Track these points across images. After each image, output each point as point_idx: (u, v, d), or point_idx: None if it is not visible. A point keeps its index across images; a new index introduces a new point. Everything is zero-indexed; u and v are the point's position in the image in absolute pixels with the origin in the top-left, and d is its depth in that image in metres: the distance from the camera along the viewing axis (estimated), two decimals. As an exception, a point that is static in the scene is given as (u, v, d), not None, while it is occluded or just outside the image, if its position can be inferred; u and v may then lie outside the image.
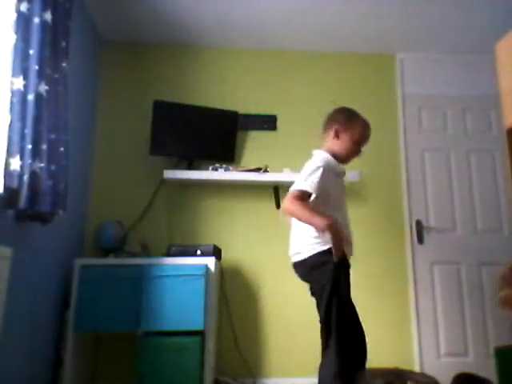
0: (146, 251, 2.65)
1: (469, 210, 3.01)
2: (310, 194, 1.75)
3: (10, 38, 1.73)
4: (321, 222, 1.67)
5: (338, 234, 1.66)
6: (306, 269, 1.79)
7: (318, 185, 1.73)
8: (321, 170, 1.75)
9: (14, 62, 1.71)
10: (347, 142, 1.86)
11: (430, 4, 2.66)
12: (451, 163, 3.09)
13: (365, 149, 1.93)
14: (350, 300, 1.72)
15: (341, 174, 1.91)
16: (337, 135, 1.89)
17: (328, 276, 1.69)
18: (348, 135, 1.86)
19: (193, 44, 3.11)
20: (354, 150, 1.87)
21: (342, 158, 1.89)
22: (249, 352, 2.65)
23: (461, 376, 2.52)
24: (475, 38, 2.99)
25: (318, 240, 1.74)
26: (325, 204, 1.78)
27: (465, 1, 2.64)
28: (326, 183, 1.76)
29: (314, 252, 1.75)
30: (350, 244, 1.81)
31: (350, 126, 1.88)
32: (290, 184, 2.77)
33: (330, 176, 1.80)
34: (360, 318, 1.73)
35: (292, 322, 2.72)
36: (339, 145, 1.88)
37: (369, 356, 2.76)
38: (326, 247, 1.72)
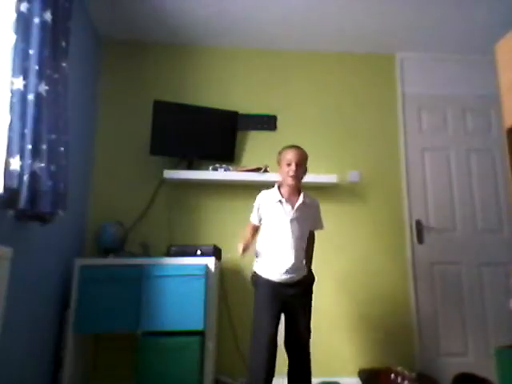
0: (146, 251, 2.65)
1: (469, 210, 3.01)
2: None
3: (10, 38, 1.73)
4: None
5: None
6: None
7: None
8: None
9: (13, 61, 1.71)
10: (281, 170, 2.14)
11: (430, 4, 2.66)
12: (451, 163, 3.09)
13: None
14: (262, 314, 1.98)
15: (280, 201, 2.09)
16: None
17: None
18: (280, 165, 2.15)
19: (192, 44, 3.11)
20: (286, 171, 2.08)
21: (286, 183, 2.11)
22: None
23: (461, 376, 2.52)
24: (475, 38, 2.99)
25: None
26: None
27: (465, 1, 2.64)
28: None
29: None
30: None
31: (278, 158, 2.17)
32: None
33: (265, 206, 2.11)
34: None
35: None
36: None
37: (369, 356, 2.78)
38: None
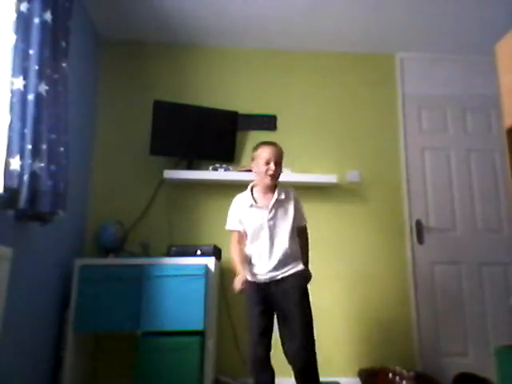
0: (145, 251, 2.65)
1: (469, 210, 3.01)
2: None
3: (10, 38, 1.73)
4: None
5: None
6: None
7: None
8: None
9: (14, 61, 1.72)
10: (256, 167, 2.03)
11: (430, 4, 2.66)
12: (451, 163, 3.09)
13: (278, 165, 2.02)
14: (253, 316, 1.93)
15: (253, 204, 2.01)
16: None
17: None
18: (255, 162, 2.04)
19: (193, 44, 3.11)
20: (263, 170, 1.98)
21: (261, 182, 2.03)
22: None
23: (461, 376, 2.52)
24: (475, 37, 2.99)
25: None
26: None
27: (465, 1, 2.64)
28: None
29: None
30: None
31: (254, 155, 2.06)
32: (289, 184, 2.77)
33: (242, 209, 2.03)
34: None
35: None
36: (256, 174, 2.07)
37: (369, 356, 2.77)
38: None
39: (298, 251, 2.02)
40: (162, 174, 2.75)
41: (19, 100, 1.71)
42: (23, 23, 1.75)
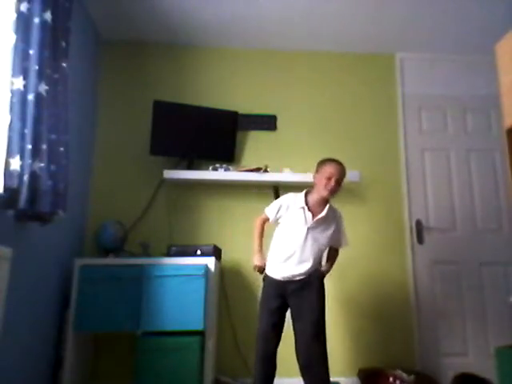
0: (145, 251, 2.65)
1: (469, 210, 3.01)
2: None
3: (10, 38, 1.73)
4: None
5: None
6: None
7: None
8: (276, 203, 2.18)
9: (14, 61, 1.72)
10: (317, 179, 2.13)
11: (430, 4, 2.66)
12: (451, 163, 3.09)
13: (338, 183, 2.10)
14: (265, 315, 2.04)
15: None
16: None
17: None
18: (318, 175, 2.14)
19: (192, 44, 3.11)
20: (323, 183, 2.07)
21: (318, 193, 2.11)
22: (249, 352, 2.64)
23: (461, 376, 2.52)
24: (475, 38, 2.99)
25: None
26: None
27: (465, 1, 2.64)
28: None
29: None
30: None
31: (319, 168, 2.17)
32: (289, 184, 2.77)
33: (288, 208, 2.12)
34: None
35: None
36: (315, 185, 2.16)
37: (369, 356, 2.77)
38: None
39: (320, 262, 2.13)
40: (161, 173, 2.75)
41: (19, 100, 1.71)
42: (23, 23, 1.75)
